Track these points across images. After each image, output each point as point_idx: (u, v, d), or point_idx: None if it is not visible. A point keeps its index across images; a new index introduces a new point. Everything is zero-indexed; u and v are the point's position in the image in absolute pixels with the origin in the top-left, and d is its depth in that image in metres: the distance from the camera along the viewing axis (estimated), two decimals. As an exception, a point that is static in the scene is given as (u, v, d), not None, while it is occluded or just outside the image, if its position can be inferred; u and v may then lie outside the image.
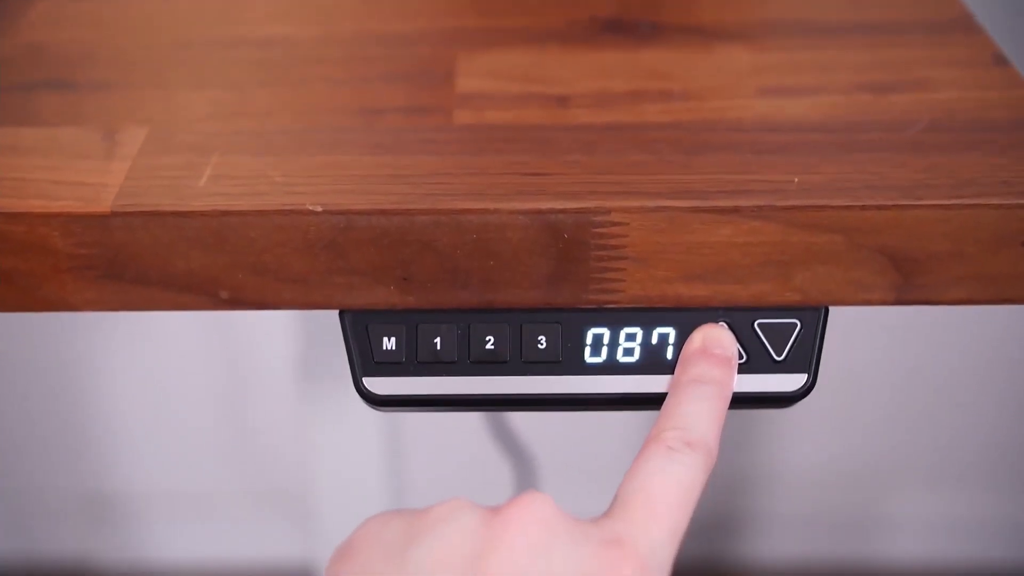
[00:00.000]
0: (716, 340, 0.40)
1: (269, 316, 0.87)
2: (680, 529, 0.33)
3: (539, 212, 0.39)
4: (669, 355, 0.41)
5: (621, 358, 0.41)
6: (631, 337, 0.41)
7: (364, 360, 0.41)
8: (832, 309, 0.41)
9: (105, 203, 0.39)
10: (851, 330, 0.93)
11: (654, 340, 0.41)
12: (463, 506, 0.33)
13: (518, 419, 0.97)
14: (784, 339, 0.41)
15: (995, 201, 0.38)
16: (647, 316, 0.41)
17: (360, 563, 0.31)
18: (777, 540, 1.17)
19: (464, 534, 0.31)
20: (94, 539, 1.18)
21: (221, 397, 1.07)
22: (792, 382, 0.41)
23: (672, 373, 0.41)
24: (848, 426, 1.09)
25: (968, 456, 1.12)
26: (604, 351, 0.41)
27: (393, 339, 0.41)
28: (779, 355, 0.41)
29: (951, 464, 1.13)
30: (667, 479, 0.34)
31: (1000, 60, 0.47)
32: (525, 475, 0.91)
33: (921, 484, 1.13)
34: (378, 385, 0.41)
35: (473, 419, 0.92)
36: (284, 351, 0.92)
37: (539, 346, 0.41)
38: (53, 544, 1.19)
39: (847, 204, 0.38)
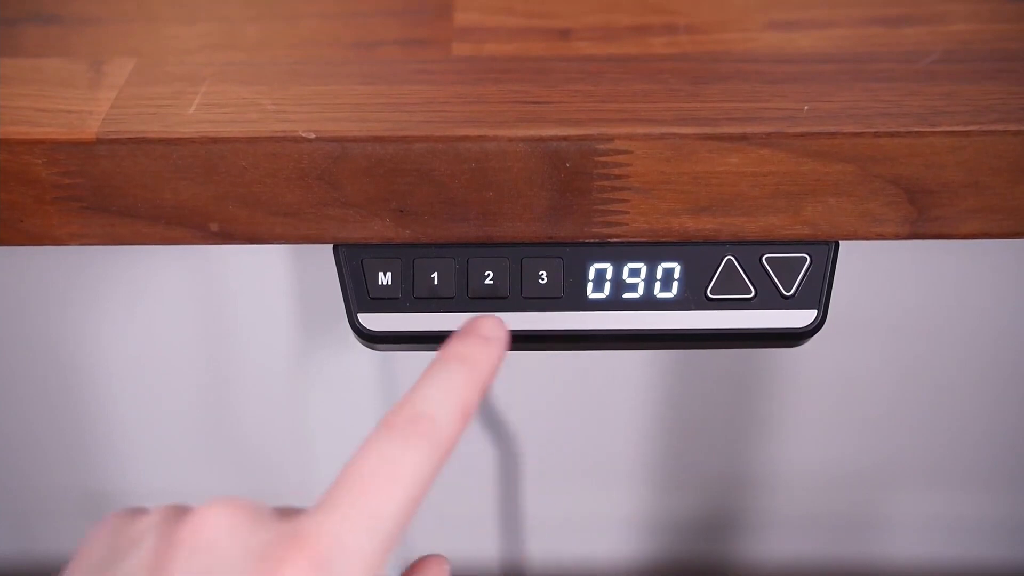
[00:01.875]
0: (477, 324, 0.35)
1: (260, 251, 0.86)
2: (388, 517, 0.30)
3: (540, 140, 0.37)
4: (674, 291, 0.39)
5: (624, 294, 0.40)
6: (635, 272, 0.39)
7: (359, 296, 0.40)
8: (843, 243, 0.40)
9: (90, 130, 0.38)
10: (862, 265, 0.91)
11: (659, 275, 0.39)
12: (155, 522, 0.31)
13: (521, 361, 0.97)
14: (793, 274, 0.39)
15: (1014, 127, 0.37)
16: (652, 250, 0.39)
17: None
18: (777, 540, 1.17)
19: (144, 556, 0.30)
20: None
21: (212, 346, 1.05)
22: (801, 318, 0.40)
23: (678, 308, 0.39)
24: (848, 423, 1.08)
25: (968, 454, 1.11)
26: (607, 287, 0.40)
27: (389, 274, 0.40)
28: (788, 291, 0.39)
29: (951, 463, 1.12)
30: (379, 462, 0.30)
31: (1016, -5, 0.45)
32: (520, 401, 0.90)
33: (921, 484, 1.13)
34: (373, 321, 0.40)
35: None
36: (276, 287, 0.90)
37: (540, 281, 0.39)
38: (53, 544, 1.18)
39: (860, 131, 0.37)
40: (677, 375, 1.05)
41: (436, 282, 0.39)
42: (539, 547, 1.11)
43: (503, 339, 0.34)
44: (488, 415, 0.92)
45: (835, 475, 1.12)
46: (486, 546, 1.10)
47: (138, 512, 0.33)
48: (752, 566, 1.17)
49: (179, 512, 0.32)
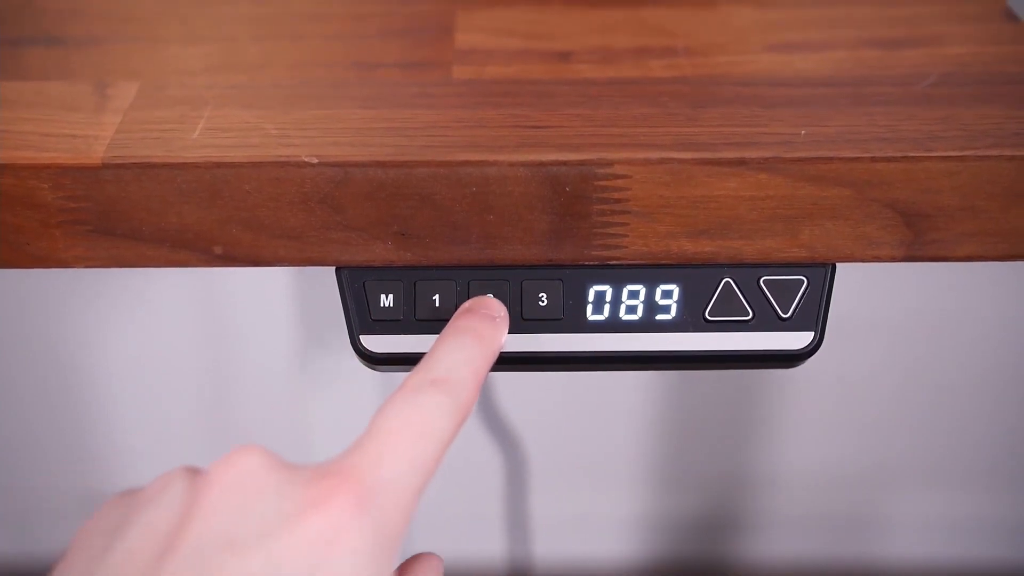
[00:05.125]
0: (483, 302, 0.37)
1: (263, 273, 0.86)
2: (420, 467, 0.30)
3: (540, 164, 0.38)
4: (673, 313, 0.40)
5: (624, 316, 0.40)
6: (634, 295, 0.40)
7: (361, 318, 0.40)
8: (839, 266, 0.40)
9: (96, 155, 0.38)
10: (859, 288, 0.91)
11: (657, 298, 0.40)
12: (174, 477, 0.30)
13: (516, 381, 0.97)
14: (790, 296, 0.40)
15: (1009, 152, 0.37)
16: (650, 273, 0.40)
17: (74, 560, 0.29)
18: (777, 540, 1.17)
19: (169, 508, 0.29)
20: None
21: (214, 361, 1.05)
22: (798, 340, 0.40)
23: (677, 330, 0.40)
24: (848, 424, 1.09)
25: (968, 455, 1.11)
26: (606, 309, 0.40)
27: (391, 296, 0.40)
28: (785, 313, 0.40)
29: (951, 464, 1.12)
30: (407, 415, 0.31)
31: (1011, 16, 0.46)
32: (524, 403, 0.90)
33: (921, 484, 1.13)
34: (376, 343, 0.40)
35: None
36: (279, 310, 0.91)
37: (540, 303, 0.40)
38: (53, 544, 1.18)
39: (856, 155, 0.37)
40: (678, 377, 1.05)
41: (438, 304, 0.40)
42: (543, 547, 1.11)
43: (506, 320, 0.37)
44: (493, 418, 0.93)
45: (835, 475, 1.12)
46: (491, 546, 1.11)
47: (130, 492, 0.31)
48: (752, 566, 1.18)
49: (195, 469, 0.30)
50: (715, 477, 1.14)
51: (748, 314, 0.40)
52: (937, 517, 1.14)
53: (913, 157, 0.37)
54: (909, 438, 1.10)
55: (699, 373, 1.05)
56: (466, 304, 0.37)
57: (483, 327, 0.35)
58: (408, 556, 0.36)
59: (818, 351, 0.40)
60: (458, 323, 0.36)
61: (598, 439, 1.11)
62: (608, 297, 0.40)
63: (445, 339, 0.35)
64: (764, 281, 0.40)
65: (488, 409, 0.91)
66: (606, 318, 0.40)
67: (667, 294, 0.40)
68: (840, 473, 1.12)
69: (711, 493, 1.15)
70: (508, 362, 0.40)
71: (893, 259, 0.39)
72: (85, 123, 0.40)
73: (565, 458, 1.11)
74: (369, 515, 0.28)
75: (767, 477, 1.13)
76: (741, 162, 0.37)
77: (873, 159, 0.37)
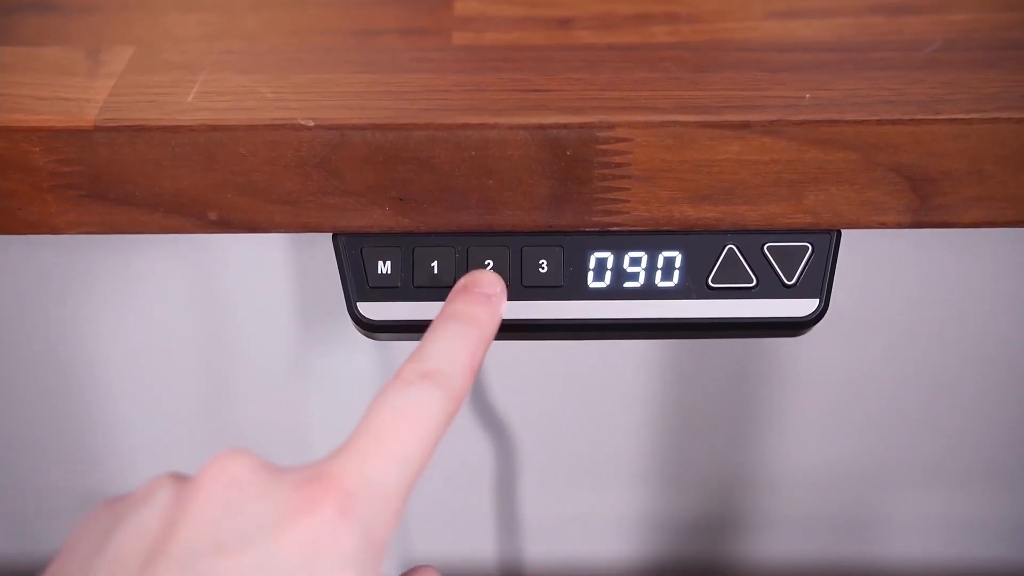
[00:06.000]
0: (478, 280, 0.36)
1: (258, 241, 0.85)
2: (410, 463, 0.30)
3: (540, 127, 0.37)
4: (675, 280, 0.39)
5: (625, 283, 0.39)
6: (636, 261, 0.39)
7: (358, 285, 0.39)
8: (844, 233, 0.39)
9: (88, 117, 0.37)
10: (864, 255, 0.90)
11: (659, 264, 0.39)
12: (161, 483, 0.30)
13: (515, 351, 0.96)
14: (795, 263, 0.39)
15: (1017, 115, 0.36)
16: (652, 239, 0.39)
17: (63, 566, 0.30)
18: (777, 540, 1.16)
19: (156, 512, 0.29)
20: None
21: (210, 331, 1.05)
22: (803, 307, 0.39)
23: (679, 298, 0.39)
24: (848, 423, 1.08)
25: (968, 454, 1.11)
26: (608, 276, 0.39)
27: (388, 263, 0.39)
28: (790, 280, 0.39)
29: (951, 464, 1.12)
30: (396, 410, 0.31)
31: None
32: (518, 400, 0.89)
33: (921, 484, 1.12)
34: (373, 311, 0.40)
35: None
36: (275, 277, 0.90)
37: (540, 270, 0.39)
38: (53, 544, 1.18)
39: (862, 118, 0.37)
40: (676, 375, 1.05)
41: (436, 271, 0.39)
42: (537, 547, 1.11)
43: (503, 294, 0.36)
44: (485, 414, 0.92)
45: (835, 475, 1.12)
46: (483, 546, 1.10)
47: (120, 498, 0.32)
48: (752, 566, 1.17)
49: (181, 475, 0.30)
50: (713, 476, 1.13)
51: (752, 281, 0.39)
52: (937, 517, 1.14)
53: (920, 120, 0.37)
54: (909, 437, 1.10)
55: (698, 370, 1.04)
56: (461, 282, 0.36)
57: (478, 310, 0.35)
58: (400, 560, 0.35)
59: (822, 320, 0.40)
60: (452, 307, 0.35)
61: (593, 436, 1.10)
62: (609, 264, 0.39)
63: (438, 326, 0.34)
64: (768, 248, 0.39)
65: (479, 404, 0.90)
66: (607, 285, 0.39)
67: (669, 261, 0.39)
68: (840, 473, 1.12)
69: (709, 493, 1.14)
70: (507, 330, 0.39)
71: (899, 225, 0.39)
72: (78, 87, 0.39)
73: (558, 455, 1.10)
74: (356, 519, 0.28)
75: (767, 477, 1.12)
76: (745, 125, 0.37)
77: (879, 122, 0.37)
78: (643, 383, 1.05)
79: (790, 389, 1.06)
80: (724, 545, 1.18)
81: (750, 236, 0.39)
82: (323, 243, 0.40)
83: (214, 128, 0.37)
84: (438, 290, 0.39)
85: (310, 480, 0.29)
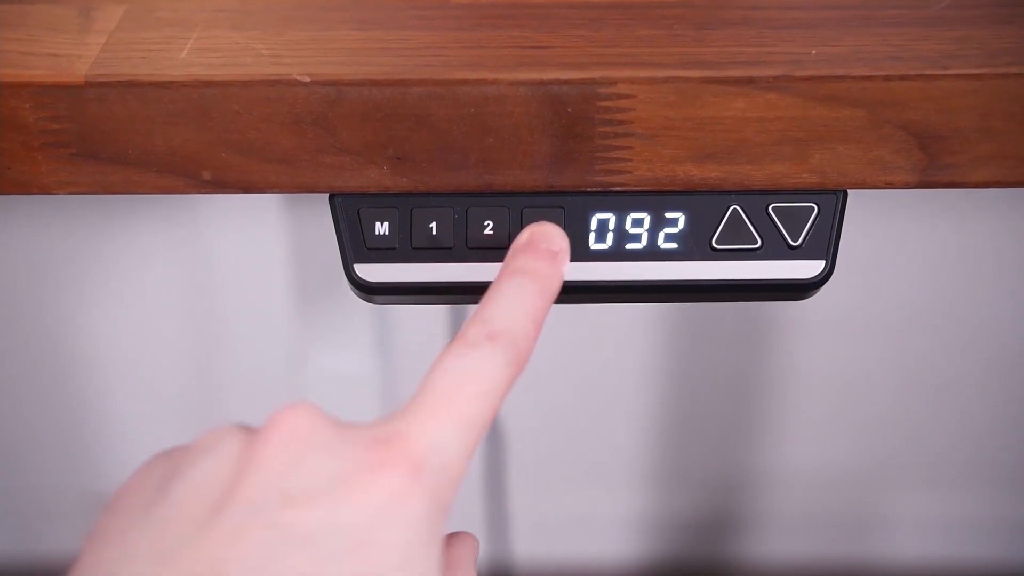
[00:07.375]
0: (543, 234, 0.35)
1: (253, 201, 0.84)
2: (474, 425, 0.30)
3: (541, 83, 0.36)
4: (678, 241, 0.38)
5: (627, 244, 0.39)
6: (638, 223, 0.39)
7: (355, 246, 0.39)
8: (851, 193, 0.39)
9: (79, 73, 0.36)
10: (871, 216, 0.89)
11: (662, 225, 0.38)
12: (227, 432, 0.30)
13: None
14: (800, 224, 0.38)
15: (1028, 70, 0.36)
16: (655, 200, 0.38)
17: (117, 514, 0.29)
18: (777, 540, 1.16)
19: (223, 461, 0.28)
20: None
21: (205, 303, 1.04)
22: (808, 269, 0.39)
23: (682, 259, 0.38)
24: (848, 423, 1.08)
25: (968, 454, 1.10)
26: (609, 237, 0.39)
27: (386, 224, 0.39)
28: (795, 241, 0.38)
29: (951, 463, 1.11)
30: (461, 373, 0.30)
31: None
32: (512, 396, 0.88)
33: (921, 484, 1.12)
34: (371, 272, 0.39)
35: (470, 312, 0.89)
36: (270, 236, 0.89)
37: (541, 231, 0.38)
38: (53, 544, 1.17)
39: (869, 74, 0.36)
40: (675, 373, 1.04)
41: (435, 232, 0.38)
42: (531, 546, 1.10)
43: (567, 251, 0.35)
44: None
45: (835, 475, 1.11)
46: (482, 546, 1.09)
47: (180, 447, 0.31)
48: (752, 566, 1.17)
49: (247, 426, 0.30)
50: (713, 476, 1.13)
51: (756, 242, 0.39)
52: (937, 517, 1.13)
53: (929, 75, 0.36)
54: (909, 437, 1.09)
55: (697, 367, 1.03)
56: (523, 236, 0.35)
57: (542, 266, 0.34)
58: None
59: (827, 281, 0.39)
60: (516, 263, 0.34)
61: (589, 434, 1.10)
62: (611, 225, 0.38)
63: (501, 283, 0.33)
64: (773, 208, 0.38)
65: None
66: (609, 247, 0.39)
67: (672, 222, 0.38)
68: (840, 473, 1.11)
69: (709, 492, 1.14)
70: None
71: (907, 185, 0.38)
72: (69, 43, 0.38)
73: (552, 454, 1.09)
74: (425, 483, 0.28)
75: (767, 477, 1.12)
76: (749, 81, 0.36)
77: (887, 77, 0.36)
78: (641, 382, 1.05)
79: (790, 389, 1.05)
80: (724, 545, 1.17)
81: (755, 196, 0.38)
82: (318, 205, 0.40)
83: (208, 84, 0.36)
84: (436, 251, 0.39)
85: (381, 441, 0.28)
